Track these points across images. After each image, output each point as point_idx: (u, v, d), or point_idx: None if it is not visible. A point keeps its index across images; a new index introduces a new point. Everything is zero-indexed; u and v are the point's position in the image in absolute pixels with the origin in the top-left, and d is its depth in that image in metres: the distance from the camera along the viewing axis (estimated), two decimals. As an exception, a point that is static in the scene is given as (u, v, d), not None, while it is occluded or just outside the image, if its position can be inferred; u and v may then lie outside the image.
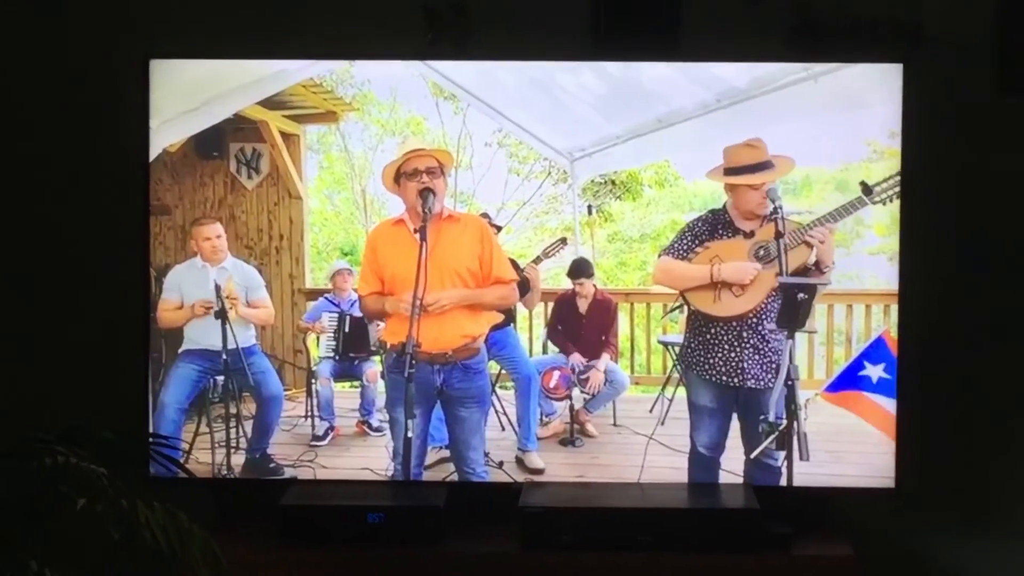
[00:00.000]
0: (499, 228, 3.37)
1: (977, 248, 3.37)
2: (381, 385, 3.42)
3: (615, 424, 3.48)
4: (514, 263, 3.36)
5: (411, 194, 3.22)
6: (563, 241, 3.39)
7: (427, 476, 3.33)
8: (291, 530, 3.11)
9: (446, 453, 3.37)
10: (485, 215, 3.35)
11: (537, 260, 3.39)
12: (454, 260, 3.24)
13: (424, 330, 3.17)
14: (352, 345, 3.50)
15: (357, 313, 3.45)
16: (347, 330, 3.50)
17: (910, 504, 3.31)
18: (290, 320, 3.48)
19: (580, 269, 3.40)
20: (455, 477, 3.32)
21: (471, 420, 3.31)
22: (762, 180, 3.18)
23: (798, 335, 3.18)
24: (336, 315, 3.50)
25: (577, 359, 3.45)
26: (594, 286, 3.39)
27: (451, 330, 3.25)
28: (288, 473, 3.35)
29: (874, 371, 3.24)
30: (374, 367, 3.48)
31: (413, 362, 3.15)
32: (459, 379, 3.29)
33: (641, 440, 3.36)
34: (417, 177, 3.20)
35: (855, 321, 3.39)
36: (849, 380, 3.27)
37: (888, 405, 3.21)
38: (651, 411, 3.44)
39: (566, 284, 3.42)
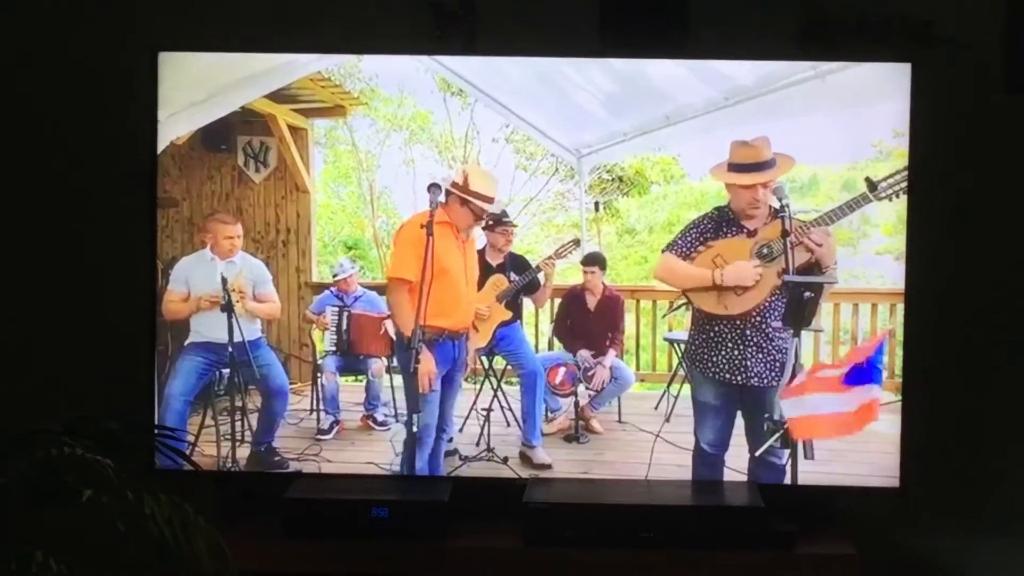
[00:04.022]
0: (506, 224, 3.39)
1: (984, 248, 3.37)
2: (386, 379, 3.43)
3: (620, 421, 3.48)
4: (525, 260, 3.39)
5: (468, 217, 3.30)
6: (576, 242, 3.38)
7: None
8: (295, 524, 3.11)
9: (451, 447, 3.38)
10: (504, 213, 3.36)
11: (550, 259, 3.39)
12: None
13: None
14: (351, 343, 3.49)
15: (357, 310, 3.45)
16: (345, 327, 3.49)
17: (914, 504, 3.31)
18: (296, 314, 3.48)
19: (594, 259, 3.39)
20: (461, 471, 3.33)
21: (457, 381, 3.36)
22: (752, 181, 3.18)
23: (804, 333, 3.18)
24: (337, 309, 3.50)
25: (584, 355, 3.45)
26: (603, 283, 3.39)
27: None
28: (293, 467, 3.35)
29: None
30: (379, 362, 3.48)
31: (419, 357, 3.16)
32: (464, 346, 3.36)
33: (646, 437, 3.36)
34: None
35: (861, 320, 3.39)
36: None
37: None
38: (656, 408, 3.44)
39: (572, 281, 3.42)
